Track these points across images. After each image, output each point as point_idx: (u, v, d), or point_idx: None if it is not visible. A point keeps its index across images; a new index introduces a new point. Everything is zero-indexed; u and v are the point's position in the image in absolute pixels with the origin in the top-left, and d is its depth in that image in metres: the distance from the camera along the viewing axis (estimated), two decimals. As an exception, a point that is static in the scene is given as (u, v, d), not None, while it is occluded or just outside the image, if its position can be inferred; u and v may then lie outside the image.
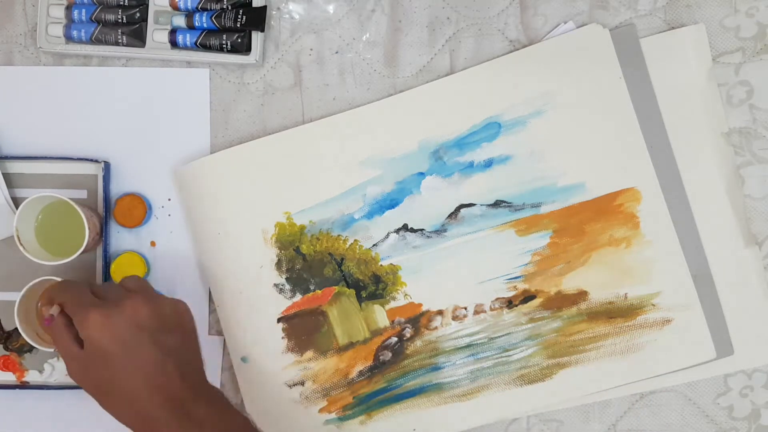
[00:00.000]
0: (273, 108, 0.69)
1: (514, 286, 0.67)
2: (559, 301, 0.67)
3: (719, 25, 0.67)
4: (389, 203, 0.67)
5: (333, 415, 0.68)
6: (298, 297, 0.67)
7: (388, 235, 0.67)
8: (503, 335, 0.67)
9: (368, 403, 0.68)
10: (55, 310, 0.58)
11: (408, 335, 0.67)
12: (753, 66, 0.67)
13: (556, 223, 0.66)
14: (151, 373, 0.56)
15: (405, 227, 0.67)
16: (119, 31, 0.67)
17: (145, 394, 0.55)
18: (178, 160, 0.69)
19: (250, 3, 0.67)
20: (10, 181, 0.68)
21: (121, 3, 0.68)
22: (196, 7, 0.67)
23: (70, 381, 0.67)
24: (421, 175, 0.67)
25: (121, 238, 0.69)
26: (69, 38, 0.68)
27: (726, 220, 0.67)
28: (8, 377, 0.69)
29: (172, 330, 0.59)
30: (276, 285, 0.67)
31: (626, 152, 0.66)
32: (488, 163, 0.67)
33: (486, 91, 0.67)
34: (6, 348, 0.68)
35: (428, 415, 0.67)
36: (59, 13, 0.68)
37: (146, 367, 0.56)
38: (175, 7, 0.68)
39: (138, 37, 0.68)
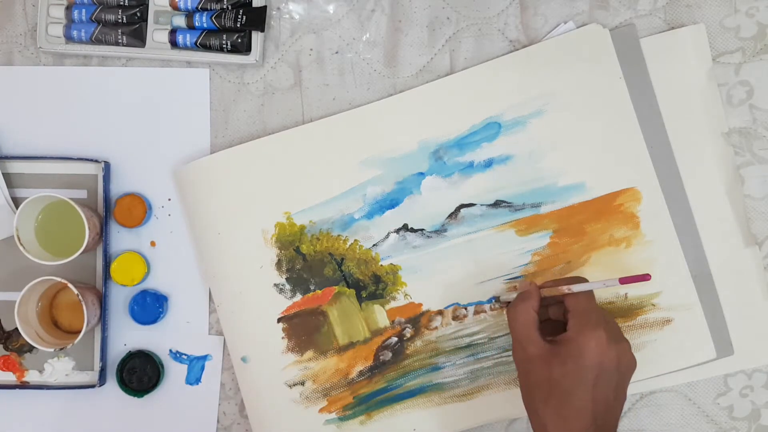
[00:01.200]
0: (273, 108, 0.69)
1: (515, 286, 0.67)
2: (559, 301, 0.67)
3: (719, 25, 0.67)
4: (389, 203, 0.67)
5: (333, 415, 0.68)
6: (298, 297, 0.67)
7: (388, 235, 0.67)
8: (503, 335, 0.67)
9: (368, 403, 0.68)
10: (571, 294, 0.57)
11: (408, 335, 0.67)
12: (753, 66, 0.67)
13: (556, 223, 0.66)
14: (597, 413, 0.54)
15: (405, 227, 0.67)
16: (119, 31, 0.67)
17: (578, 425, 0.54)
18: (178, 160, 0.69)
19: (250, 3, 0.67)
20: (10, 181, 0.68)
21: (121, 3, 0.68)
22: (196, 7, 0.67)
23: (70, 381, 0.68)
24: (421, 175, 0.67)
25: (121, 238, 0.69)
26: (69, 38, 0.68)
27: (726, 220, 0.67)
28: (8, 377, 0.69)
29: (622, 386, 0.57)
30: (276, 285, 0.67)
31: (626, 152, 0.66)
32: (488, 163, 0.67)
33: (486, 91, 0.67)
34: (6, 348, 0.68)
35: (428, 415, 0.67)
36: (59, 13, 0.68)
37: (597, 406, 0.54)
38: (175, 7, 0.68)
39: (138, 37, 0.68)
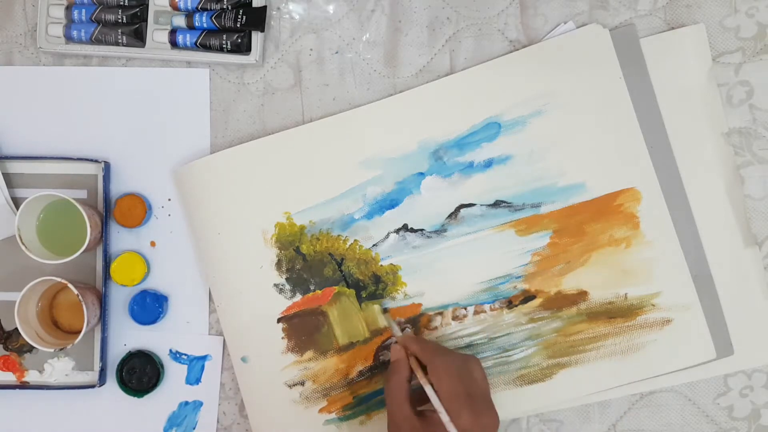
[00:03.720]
0: (273, 108, 0.69)
1: (514, 286, 0.67)
2: (559, 301, 0.67)
3: (719, 25, 0.67)
4: (389, 203, 0.67)
5: (333, 415, 0.68)
6: (298, 297, 0.67)
7: (388, 235, 0.67)
8: (503, 335, 0.67)
9: (368, 403, 0.68)
10: (434, 398, 0.57)
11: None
12: (753, 66, 0.67)
13: (556, 223, 0.66)
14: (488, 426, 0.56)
15: (405, 227, 0.67)
16: (119, 31, 0.67)
17: None
18: (178, 160, 0.69)
19: (250, 3, 0.67)
20: (10, 181, 0.68)
21: (121, 3, 0.68)
22: (196, 7, 0.67)
23: (70, 381, 0.68)
24: (421, 175, 0.67)
25: (121, 238, 0.69)
26: (69, 38, 0.68)
27: (726, 220, 0.67)
28: (8, 377, 0.69)
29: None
30: (276, 285, 0.67)
31: (626, 152, 0.66)
32: (488, 163, 0.67)
33: (486, 91, 0.67)
34: (6, 348, 0.68)
35: (428, 415, 0.67)
36: (59, 13, 0.68)
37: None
38: (175, 7, 0.68)
39: (138, 37, 0.68)
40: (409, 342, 0.61)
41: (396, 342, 0.62)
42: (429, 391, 0.57)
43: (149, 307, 0.68)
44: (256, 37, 0.67)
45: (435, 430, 0.56)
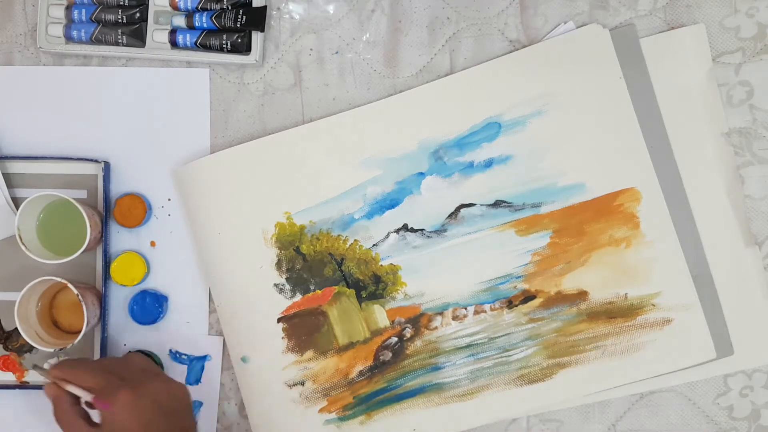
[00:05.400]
0: (273, 108, 0.69)
1: (514, 286, 0.67)
2: (559, 301, 0.67)
3: (719, 25, 0.67)
4: (389, 203, 0.67)
5: (333, 415, 0.68)
6: (298, 297, 0.67)
7: (388, 235, 0.67)
8: (503, 335, 0.67)
9: (368, 403, 0.68)
10: (87, 396, 0.58)
11: (408, 335, 0.67)
12: (753, 66, 0.67)
13: (556, 223, 0.66)
14: None
15: (405, 227, 0.67)
16: (119, 31, 0.67)
17: None
18: (178, 160, 0.69)
19: (250, 3, 0.67)
20: (10, 181, 0.68)
21: (121, 3, 0.68)
22: (196, 7, 0.67)
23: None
24: (421, 175, 0.67)
25: (121, 238, 0.69)
26: (69, 38, 0.68)
27: (726, 220, 0.67)
28: (8, 377, 0.69)
29: (183, 412, 0.60)
30: (276, 285, 0.67)
31: (626, 152, 0.66)
32: (488, 163, 0.67)
33: (486, 91, 0.67)
34: (6, 348, 0.68)
35: (428, 415, 0.67)
36: (59, 13, 0.68)
37: None
38: (175, 7, 0.68)
39: (138, 37, 0.68)
40: (54, 373, 0.60)
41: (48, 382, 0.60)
42: (72, 388, 0.58)
43: (149, 307, 0.68)
44: (256, 37, 0.67)
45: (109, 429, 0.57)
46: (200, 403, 0.69)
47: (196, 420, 0.66)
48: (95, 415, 0.59)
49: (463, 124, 0.67)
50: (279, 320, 0.67)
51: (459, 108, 0.67)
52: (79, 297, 0.63)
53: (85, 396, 0.58)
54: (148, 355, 0.68)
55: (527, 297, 0.67)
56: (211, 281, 0.68)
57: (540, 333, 0.67)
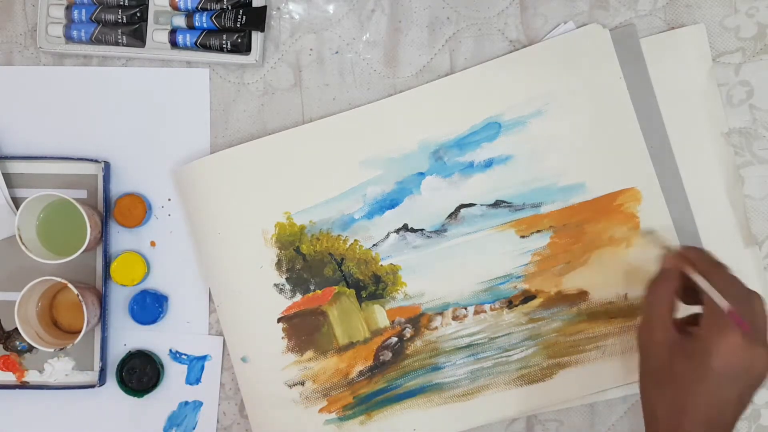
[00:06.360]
0: (273, 108, 0.69)
1: (514, 286, 0.67)
2: (559, 301, 0.67)
3: (719, 25, 0.67)
4: (389, 203, 0.67)
5: (333, 415, 0.68)
6: (298, 297, 0.67)
7: (388, 235, 0.67)
8: (503, 335, 0.67)
9: (368, 403, 0.68)
10: (722, 301, 0.52)
11: (408, 335, 0.67)
12: (753, 66, 0.67)
13: (557, 223, 0.67)
14: (711, 416, 0.52)
15: (405, 227, 0.67)
16: (119, 31, 0.67)
17: (688, 421, 0.52)
18: (178, 160, 0.69)
19: (250, 3, 0.67)
20: (10, 181, 0.68)
21: (121, 3, 0.68)
22: (196, 7, 0.67)
23: (70, 381, 0.68)
24: (421, 175, 0.67)
25: (121, 238, 0.69)
26: (69, 38, 0.68)
27: (726, 220, 0.67)
28: (8, 377, 0.69)
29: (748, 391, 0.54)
30: (276, 285, 0.67)
31: (626, 152, 0.66)
32: (488, 163, 0.67)
33: (486, 91, 0.67)
34: (6, 348, 0.68)
35: (428, 415, 0.67)
36: (59, 13, 0.68)
37: (711, 410, 0.52)
38: (175, 7, 0.68)
39: (138, 37, 0.68)
40: (688, 251, 0.56)
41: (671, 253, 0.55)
42: (704, 284, 0.52)
43: (149, 307, 0.68)
44: (256, 37, 0.67)
45: (697, 350, 0.52)
46: (200, 403, 0.69)
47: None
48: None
49: (463, 124, 0.67)
50: (279, 320, 0.67)
51: (459, 108, 0.67)
52: (79, 297, 0.63)
53: (719, 300, 0.52)
54: (148, 355, 0.68)
55: (527, 297, 0.67)
56: (211, 281, 0.68)
57: (540, 333, 0.67)
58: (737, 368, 0.51)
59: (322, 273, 0.67)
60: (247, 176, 0.67)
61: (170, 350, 0.69)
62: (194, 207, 0.68)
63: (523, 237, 0.67)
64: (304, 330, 0.67)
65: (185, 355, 0.69)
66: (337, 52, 0.69)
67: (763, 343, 0.52)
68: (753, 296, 0.54)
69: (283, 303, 0.67)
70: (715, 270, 0.55)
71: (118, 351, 0.69)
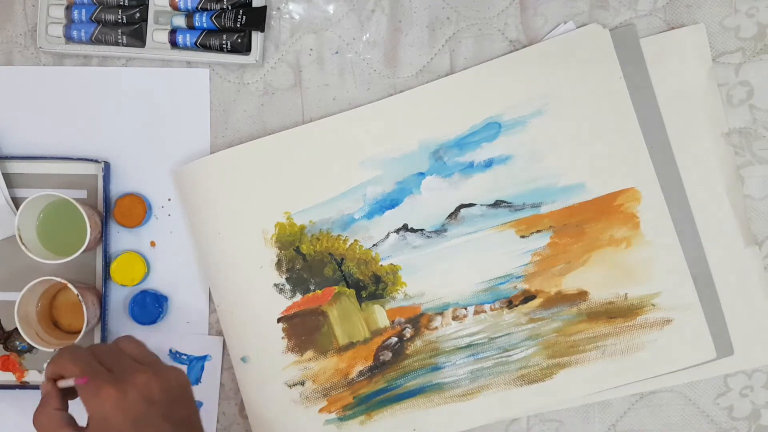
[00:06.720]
0: (273, 108, 0.69)
1: (514, 286, 0.67)
2: (559, 301, 0.67)
3: (719, 25, 0.67)
4: (389, 203, 0.67)
5: (333, 415, 0.68)
6: (298, 297, 0.67)
7: (388, 235, 0.67)
8: (503, 335, 0.67)
9: (368, 403, 0.68)
10: (67, 383, 0.54)
11: (408, 335, 0.67)
12: (753, 66, 0.67)
13: (556, 223, 0.67)
14: None
15: (405, 227, 0.67)
16: (119, 31, 0.67)
17: None
18: (178, 160, 0.69)
19: (250, 3, 0.67)
20: (10, 181, 0.68)
21: (121, 3, 0.68)
22: (196, 7, 0.67)
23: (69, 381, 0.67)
24: (421, 175, 0.67)
25: (121, 238, 0.69)
26: (69, 38, 0.68)
27: (726, 220, 0.67)
28: (8, 377, 0.69)
29: (179, 402, 0.55)
30: (276, 285, 0.67)
31: (626, 152, 0.66)
32: (488, 163, 0.67)
33: (486, 91, 0.67)
34: (6, 348, 0.68)
35: (428, 415, 0.67)
36: (59, 13, 0.68)
37: None
38: (175, 7, 0.68)
39: (138, 37, 0.68)
40: (48, 369, 0.56)
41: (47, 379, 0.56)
42: (65, 383, 0.54)
43: (149, 307, 0.68)
44: (256, 37, 0.67)
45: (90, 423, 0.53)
46: (200, 403, 0.69)
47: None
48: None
49: (463, 124, 0.67)
50: (279, 320, 0.67)
51: (459, 108, 0.67)
52: (79, 297, 0.63)
53: (71, 382, 0.54)
54: (148, 355, 0.68)
55: (527, 297, 0.67)
56: (211, 281, 0.68)
57: (540, 333, 0.67)
58: (134, 407, 0.52)
59: (322, 273, 0.67)
60: (247, 176, 0.67)
61: (170, 350, 0.69)
62: (194, 207, 0.68)
63: (523, 237, 0.67)
64: (304, 330, 0.67)
65: (185, 355, 0.69)
66: (337, 52, 0.69)
67: (124, 378, 0.53)
68: (114, 344, 0.57)
69: (283, 303, 0.67)
70: (60, 361, 0.55)
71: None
